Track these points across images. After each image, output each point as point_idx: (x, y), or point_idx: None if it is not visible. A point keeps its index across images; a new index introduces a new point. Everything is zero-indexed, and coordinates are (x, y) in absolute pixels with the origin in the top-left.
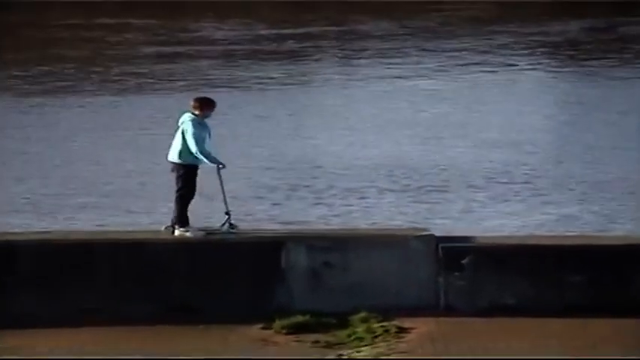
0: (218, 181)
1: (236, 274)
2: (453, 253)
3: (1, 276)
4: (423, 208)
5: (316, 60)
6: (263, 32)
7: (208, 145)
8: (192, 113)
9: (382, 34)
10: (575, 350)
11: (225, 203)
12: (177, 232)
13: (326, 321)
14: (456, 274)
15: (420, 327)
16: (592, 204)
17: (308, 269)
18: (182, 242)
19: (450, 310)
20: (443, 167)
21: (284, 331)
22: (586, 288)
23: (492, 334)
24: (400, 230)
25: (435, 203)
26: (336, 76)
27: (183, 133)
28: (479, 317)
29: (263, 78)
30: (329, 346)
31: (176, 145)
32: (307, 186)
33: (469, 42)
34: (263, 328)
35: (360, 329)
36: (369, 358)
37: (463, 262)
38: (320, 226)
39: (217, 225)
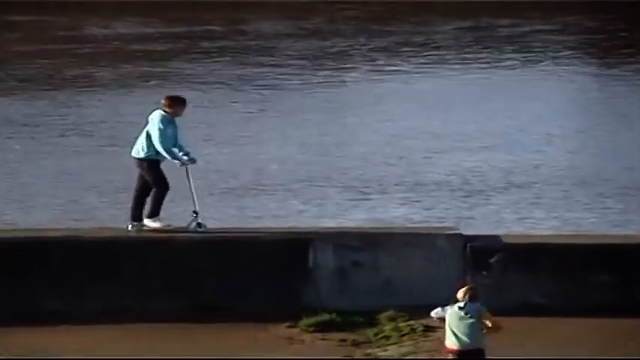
0: (186, 180)
1: (264, 272)
2: (481, 252)
3: (30, 273)
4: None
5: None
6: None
7: (175, 143)
8: (164, 110)
9: (264, 33)
10: (604, 350)
11: (194, 202)
12: (145, 222)
13: (353, 319)
14: (484, 273)
15: None
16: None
17: (335, 267)
18: (210, 240)
19: None
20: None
21: (310, 329)
22: (614, 287)
23: (520, 334)
24: (428, 229)
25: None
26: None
27: (148, 129)
28: (506, 316)
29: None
30: (355, 344)
31: (140, 140)
32: None
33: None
34: (289, 327)
35: (387, 328)
36: (394, 358)
37: (491, 261)
38: (347, 224)
39: (184, 224)
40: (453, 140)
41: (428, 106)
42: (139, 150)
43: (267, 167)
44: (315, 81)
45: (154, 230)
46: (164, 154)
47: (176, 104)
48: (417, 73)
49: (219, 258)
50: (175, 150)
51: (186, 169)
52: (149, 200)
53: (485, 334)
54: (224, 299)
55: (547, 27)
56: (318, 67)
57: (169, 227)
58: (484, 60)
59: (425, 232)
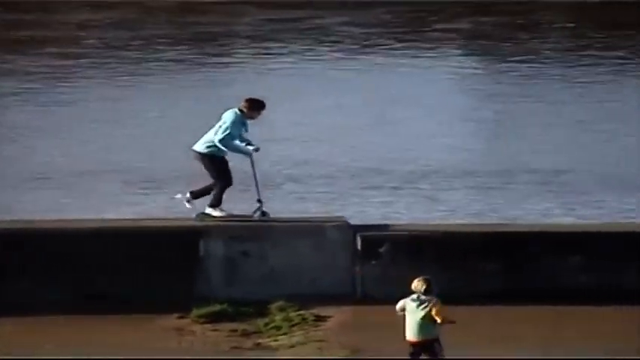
0: (251, 170)
1: (155, 262)
2: (370, 242)
3: None
4: None
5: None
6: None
7: (235, 139)
8: (240, 110)
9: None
10: (493, 338)
11: (258, 191)
12: (207, 210)
13: (243, 310)
14: (373, 262)
15: (337, 315)
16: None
17: (226, 258)
18: (101, 230)
19: (366, 298)
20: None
21: (201, 320)
22: (501, 275)
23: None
24: (317, 219)
25: None
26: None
27: (219, 124)
28: (395, 305)
29: None
30: (246, 334)
31: (208, 135)
32: None
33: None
34: (180, 318)
35: (278, 318)
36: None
37: (380, 250)
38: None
39: (249, 212)
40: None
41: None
42: (203, 144)
43: (54, 160)
44: (123, 74)
45: (216, 218)
46: (222, 147)
47: (254, 107)
48: (227, 65)
49: (111, 249)
50: (235, 143)
51: (251, 158)
52: (212, 191)
53: (439, 325)
54: (116, 290)
55: (347, 19)
56: (123, 59)
57: (230, 216)
58: (286, 51)
59: (314, 222)
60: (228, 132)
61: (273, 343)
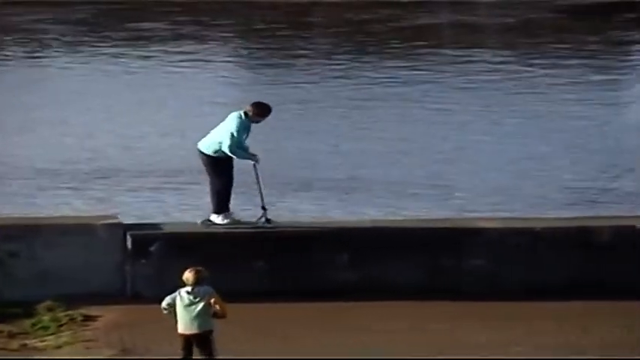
0: (254, 177)
1: None
2: (141, 241)
3: None
4: None
5: None
6: None
7: (244, 144)
8: (245, 114)
9: None
10: (262, 334)
11: (262, 198)
12: (212, 217)
13: (10, 311)
14: (143, 261)
15: (107, 314)
16: None
17: None
18: None
19: (137, 297)
20: None
21: None
22: (268, 273)
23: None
24: (87, 218)
25: None
26: None
27: (225, 127)
28: None
29: None
30: (12, 336)
31: (213, 136)
32: None
33: None
34: None
35: (45, 318)
36: None
37: (150, 249)
38: (5, 214)
39: (254, 219)
40: None
41: None
42: (208, 146)
43: None
44: None
45: (221, 225)
46: (230, 154)
47: (261, 114)
48: None
49: None
50: (242, 151)
51: (255, 166)
52: (211, 197)
53: (213, 317)
54: None
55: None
56: None
57: (237, 222)
58: None
59: (84, 221)
60: (235, 139)
61: (39, 344)
